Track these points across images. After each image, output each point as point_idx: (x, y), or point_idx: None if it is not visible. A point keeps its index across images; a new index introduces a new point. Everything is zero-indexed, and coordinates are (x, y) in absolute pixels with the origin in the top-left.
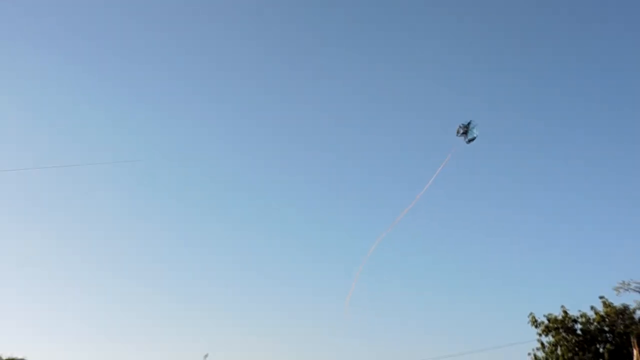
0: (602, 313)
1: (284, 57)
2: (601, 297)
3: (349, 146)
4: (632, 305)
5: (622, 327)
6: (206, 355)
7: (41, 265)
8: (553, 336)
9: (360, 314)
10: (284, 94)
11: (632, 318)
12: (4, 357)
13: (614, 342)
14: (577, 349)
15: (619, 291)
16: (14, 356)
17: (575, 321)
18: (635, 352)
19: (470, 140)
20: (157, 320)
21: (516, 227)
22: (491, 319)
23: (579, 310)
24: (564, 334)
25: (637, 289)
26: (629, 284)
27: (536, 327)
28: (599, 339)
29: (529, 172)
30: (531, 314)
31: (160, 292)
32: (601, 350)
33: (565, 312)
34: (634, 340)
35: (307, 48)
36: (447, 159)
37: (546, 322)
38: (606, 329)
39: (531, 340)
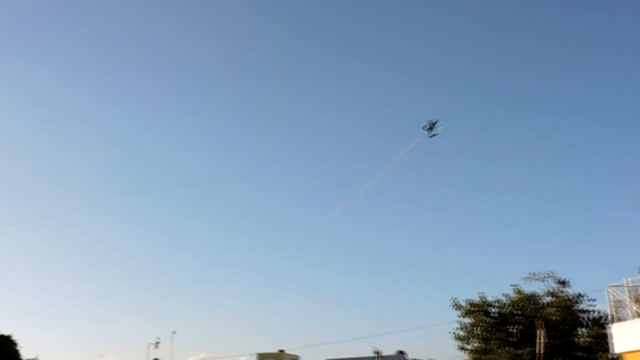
0: (513, 299)
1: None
2: (513, 285)
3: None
4: (539, 292)
5: (530, 310)
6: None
7: None
8: (472, 318)
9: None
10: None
11: (538, 303)
12: None
13: (523, 323)
14: (492, 329)
15: (528, 281)
16: None
17: (490, 305)
18: (539, 332)
19: (432, 135)
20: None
21: (450, 225)
22: (420, 303)
23: (494, 297)
24: (481, 316)
25: (543, 279)
26: (536, 275)
27: (458, 310)
28: (511, 321)
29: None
30: (453, 298)
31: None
32: (512, 330)
33: (482, 297)
34: (539, 322)
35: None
36: (409, 147)
37: (466, 306)
38: (517, 312)
39: (453, 321)
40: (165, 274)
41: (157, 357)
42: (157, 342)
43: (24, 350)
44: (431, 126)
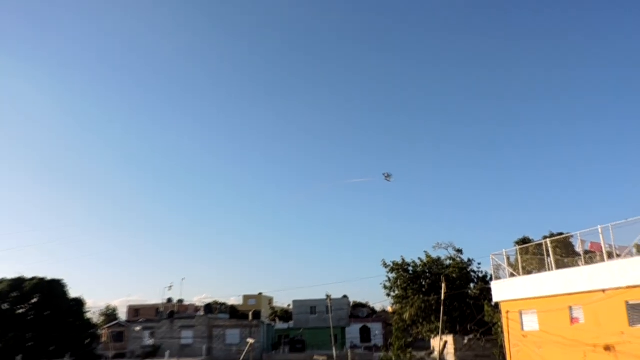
0: (425, 261)
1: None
2: (425, 252)
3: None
4: (443, 257)
5: (436, 270)
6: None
7: None
8: (395, 274)
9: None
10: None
11: (442, 265)
12: None
13: (431, 279)
14: (409, 282)
15: (436, 248)
16: None
17: (409, 265)
18: (443, 285)
19: (386, 179)
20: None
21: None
22: (362, 263)
23: (412, 259)
24: (402, 273)
25: (446, 248)
26: (441, 244)
27: (386, 268)
28: (423, 277)
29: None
30: (383, 260)
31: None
32: (424, 283)
33: (403, 259)
34: (442, 278)
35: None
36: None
37: (391, 265)
38: (427, 271)
39: (383, 275)
40: (177, 232)
41: (171, 296)
42: (171, 286)
43: (70, 291)
44: (387, 176)
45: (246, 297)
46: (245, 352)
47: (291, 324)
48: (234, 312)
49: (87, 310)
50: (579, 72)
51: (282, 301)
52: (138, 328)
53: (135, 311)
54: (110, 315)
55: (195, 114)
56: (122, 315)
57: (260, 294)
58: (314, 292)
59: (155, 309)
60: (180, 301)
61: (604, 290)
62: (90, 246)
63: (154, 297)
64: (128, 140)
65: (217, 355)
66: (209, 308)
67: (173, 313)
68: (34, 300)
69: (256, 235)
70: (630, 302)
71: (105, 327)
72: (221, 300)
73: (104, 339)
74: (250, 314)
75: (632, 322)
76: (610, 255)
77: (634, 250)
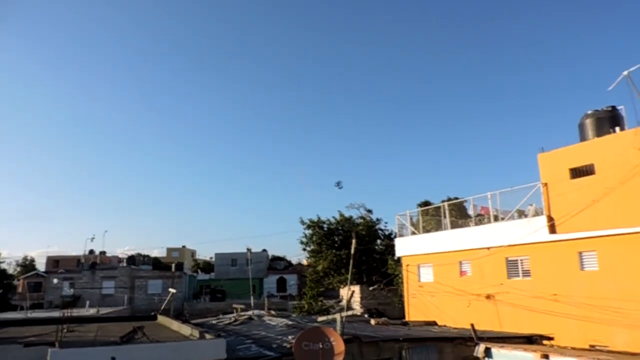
0: (338, 219)
1: None
2: (339, 211)
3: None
4: (354, 216)
5: (347, 227)
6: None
7: None
8: (311, 230)
9: (197, 201)
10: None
11: (353, 223)
12: None
13: (343, 235)
14: (323, 238)
15: (349, 208)
16: None
17: (324, 223)
18: (353, 241)
19: (338, 187)
20: None
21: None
22: (281, 217)
23: (327, 217)
24: (317, 230)
25: (357, 208)
26: (353, 205)
27: (303, 224)
28: (336, 233)
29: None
30: (300, 217)
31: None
32: (336, 239)
33: (319, 217)
34: (353, 235)
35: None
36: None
37: (308, 222)
38: (339, 228)
39: (300, 231)
40: (102, 182)
41: (93, 248)
42: (93, 238)
43: None
44: (338, 184)
45: (170, 250)
46: (166, 301)
47: (213, 275)
48: (157, 264)
49: (2, 260)
50: (474, 55)
51: (205, 254)
52: (57, 279)
53: (55, 262)
54: (27, 266)
55: (115, 60)
56: (41, 266)
57: (183, 246)
58: (236, 246)
59: (76, 260)
60: (103, 253)
61: (488, 248)
62: (4, 195)
63: (75, 249)
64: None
65: (138, 305)
66: (132, 259)
67: (95, 264)
68: None
69: (181, 189)
70: (510, 258)
71: (21, 277)
72: (145, 252)
73: (20, 290)
74: (173, 265)
75: (510, 275)
76: (496, 218)
77: (516, 215)
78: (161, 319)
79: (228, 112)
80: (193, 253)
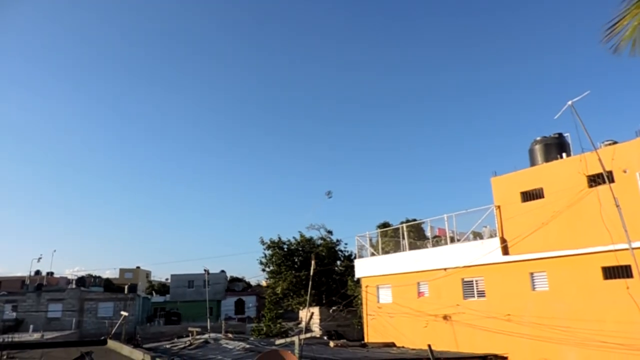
0: (298, 240)
1: None
2: (299, 232)
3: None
4: (315, 237)
5: (308, 248)
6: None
7: None
8: (271, 251)
9: (151, 223)
10: None
11: (314, 244)
12: None
13: (303, 256)
14: (283, 259)
15: (309, 229)
16: None
17: (284, 243)
18: (313, 263)
19: (328, 197)
20: None
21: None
22: (240, 239)
23: (287, 238)
24: (277, 250)
25: (318, 229)
26: (314, 226)
27: (263, 245)
28: (296, 254)
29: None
30: (261, 237)
31: None
32: (296, 260)
33: (279, 238)
34: (313, 256)
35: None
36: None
37: (268, 242)
38: (300, 249)
39: (259, 251)
40: (51, 200)
41: (39, 269)
42: (40, 258)
43: None
44: (328, 194)
45: (123, 271)
46: (117, 324)
47: (168, 297)
48: (109, 286)
49: None
50: (429, 79)
51: (161, 275)
52: None
53: None
54: None
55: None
56: None
57: (137, 267)
58: (194, 267)
59: (20, 281)
60: (51, 274)
61: (445, 269)
62: None
63: (20, 269)
64: None
65: (88, 329)
66: (82, 281)
67: (41, 285)
68: None
69: (135, 208)
70: (465, 279)
71: None
72: (96, 273)
73: None
74: (126, 287)
75: (465, 296)
76: (453, 240)
77: (471, 236)
78: (111, 343)
79: (181, 131)
80: (148, 274)
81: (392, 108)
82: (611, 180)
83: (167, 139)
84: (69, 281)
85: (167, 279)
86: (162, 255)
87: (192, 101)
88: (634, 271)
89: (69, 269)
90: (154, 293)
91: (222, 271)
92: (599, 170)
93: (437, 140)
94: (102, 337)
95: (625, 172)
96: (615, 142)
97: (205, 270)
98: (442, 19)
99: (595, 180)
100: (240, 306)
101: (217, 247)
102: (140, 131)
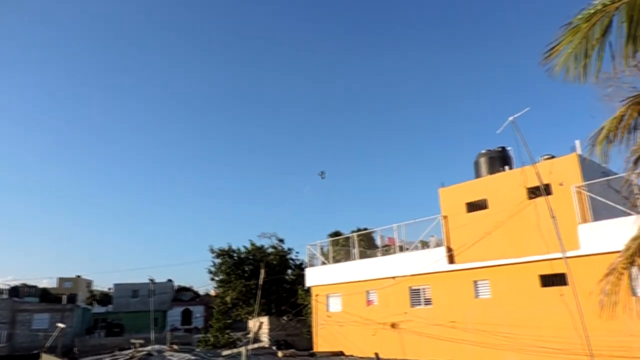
0: (249, 249)
1: None
2: (250, 240)
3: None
4: (266, 245)
5: (258, 257)
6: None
7: None
8: (221, 259)
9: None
10: None
11: (264, 252)
12: None
13: (254, 265)
14: (233, 267)
15: (261, 237)
16: None
17: (234, 252)
18: (262, 272)
19: (322, 177)
20: None
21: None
22: (189, 247)
23: (237, 246)
24: (226, 259)
25: (269, 237)
26: (265, 234)
27: (212, 253)
28: (246, 263)
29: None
30: (210, 246)
31: None
32: (246, 269)
33: (230, 246)
34: (262, 265)
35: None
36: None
37: (218, 251)
38: (250, 257)
39: (209, 260)
40: None
41: None
42: None
43: None
44: (321, 174)
45: (62, 280)
46: (52, 337)
47: (111, 307)
48: (46, 296)
49: None
50: (380, 89)
51: (104, 284)
52: None
53: None
54: None
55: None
56: None
57: (78, 276)
58: (140, 276)
59: None
60: None
61: (394, 277)
62: None
63: None
64: None
65: (20, 342)
66: (15, 291)
67: None
68: None
69: (76, 216)
70: (413, 287)
71: None
72: (32, 282)
73: None
74: (65, 297)
75: (413, 304)
76: (402, 249)
77: (419, 245)
78: (46, 357)
79: (125, 135)
80: (89, 284)
81: (341, 115)
82: (548, 192)
83: (112, 143)
84: (0, 291)
85: (110, 289)
86: (106, 264)
87: (135, 104)
88: (568, 279)
89: (2, 278)
90: (95, 303)
91: (169, 280)
92: (538, 183)
93: (390, 150)
94: (36, 351)
95: (561, 185)
96: (553, 156)
97: (150, 280)
98: (397, 28)
99: (534, 192)
100: (187, 316)
101: (166, 255)
102: (84, 135)
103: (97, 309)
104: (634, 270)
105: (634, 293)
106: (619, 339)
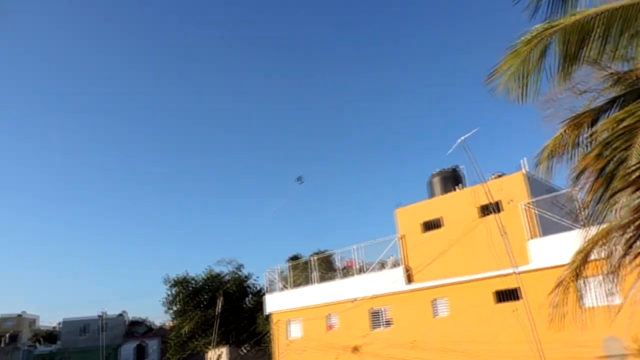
0: (206, 276)
1: None
2: (208, 267)
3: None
4: (224, 272)
5: (215, 285)
6: None
7: None
8: (176, 289)
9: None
10: None
11: (222, 280)
12: None
13: (210, 293)
14: (190, 296)
15: (219, 264)
16: None
17: (190, 281)
18: (218, 300)
19: (299, 182)
20: None
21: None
22: (142, 277)
23: (194, 275)
24: (182, 288)
25: (228, 263)
26: (224, 260)
27: (167, 283)
28: (202, 291)
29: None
30: (165, 275)
31: None
32: (203, 298)
33: (186, 274)
34: (219, 294)
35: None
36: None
37: (173, 280)
38: (207, 285)
39: (164, 291)
40: None
41: None
42: None
43: None
44: (299, 179)
45: (3, 319)
46: None
47: (59, 344)
48: None
49: None
50: (328, 106)
51: (52, 320)
52: None
53: None
54: None
55: None
56: None
57: (20, 315)
58: (90, 310)
59: None
60: None
61: (353, 300)
62: None
63: None
64: None
65: None
66: None
67: None
68: None
69: (25, 249)
70: (373, 309)
71: None
72: None
73: None
74: (5, 337)
75: (373, 326)
76: (361, 270)
77: (378, 267)
78: None
79: (68, 168)
80: (33, 322)
81: (294, 138)
82: (499, 210)
83: (58, 174)
84: None
85: (58, 324)
86: (53, 298)
87: (86, 131)
88: (521, 293)
89: None
90: (41, 341)
91: (121, 314)
92: (488, 201)
93: (346, 171)
94: None
95: (510, 202)
96: (503, 174)
97: (100, 314)
98: (345, 47)
99: (486, 210)
100: (141, 351)
101: (118, 288)
102: (26, 168)
103: (42, 348)
104: (580, 282)
105: (581, 304)
106: (571, 350)
